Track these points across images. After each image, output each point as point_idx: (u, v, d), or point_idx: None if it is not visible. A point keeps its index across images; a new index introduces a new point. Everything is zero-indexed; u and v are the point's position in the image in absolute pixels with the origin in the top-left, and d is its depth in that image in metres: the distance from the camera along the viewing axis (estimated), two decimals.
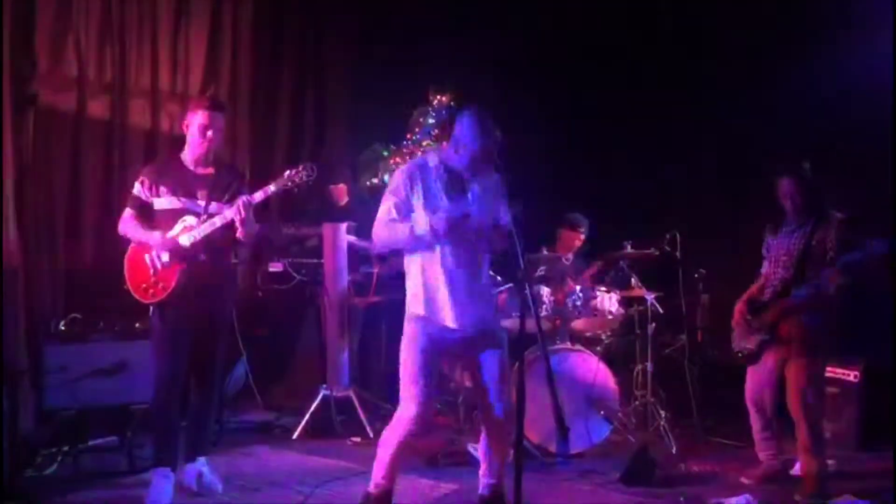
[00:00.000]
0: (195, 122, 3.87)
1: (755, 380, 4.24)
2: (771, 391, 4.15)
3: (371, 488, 3.57)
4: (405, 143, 7.09)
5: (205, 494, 3.93)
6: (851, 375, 4.97)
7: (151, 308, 3.88)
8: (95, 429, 4.54)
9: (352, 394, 5.16)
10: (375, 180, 7.00)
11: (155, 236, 3.84)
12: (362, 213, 5.93)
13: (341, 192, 6.02)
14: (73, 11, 5.18)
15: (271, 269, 5.45)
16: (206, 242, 3.82)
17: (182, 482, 3.95)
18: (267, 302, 5.91)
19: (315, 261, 5.38)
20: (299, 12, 6.68)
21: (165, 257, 3.81)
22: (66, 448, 4.28)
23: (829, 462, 4.34)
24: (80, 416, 4.35)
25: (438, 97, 7.01)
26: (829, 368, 4.95)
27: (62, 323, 4.55)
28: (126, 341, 4.57)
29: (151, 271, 3.84)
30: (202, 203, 3.87)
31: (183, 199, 3.87)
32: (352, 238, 5.33)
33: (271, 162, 6.46)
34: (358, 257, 5.50)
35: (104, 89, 5.43)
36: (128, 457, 4.36)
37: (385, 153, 7.06)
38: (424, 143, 7.09)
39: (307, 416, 5.05)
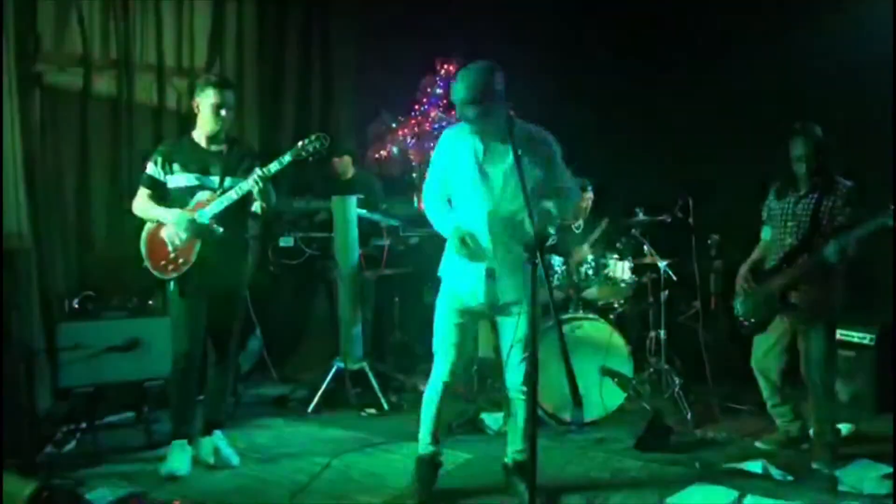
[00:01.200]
0: (206, 101, 3.87)
1: (762, 348, 4.21)
2: (779, 359, 4.12)
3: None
4: (413, 113, 7.05)
5: (222, 467, 3.97)
6: (867, 339, 4.94)
7: (171, 283, 3.91)
8: (112, 405, 4.59)
9: (366, 366, 5.17)
10: (384, 152, 6.97)
11: (173, 213, 3.86)
12: (371, 186, 5.92)
13: (346, 165, 5.98)
14: None
15: (282, 245, 5.44)
16: (223, 216, 3.85)
17: (199, 455, 4.00)
18: (279, 276, 5.92)
19: (325, 234, 5.37)
20: None
21: (184, 233, 3.83)
22: (83, 425, 4.32)
23: (846, 425, 4.34)
24: (96, 393, 4.38)
25: (445, 66, 6.96)
26: (844, 332, 4.93)
27: (76, 301, 4.57)
28: (140, 318, 4.60)
29: (170, 248, 3.87)
30: (216, 178, 3.90)
31: (197, 176, 3.90)
32: (362, 211, 5.31)
33: (279, 134, 6.43)
34: (368, 230, 5.48)
35: (109, 66, 5.40)
36: (145, 432, 4.41)
37: (393, 124, 7.02)
38: (432, 114, 7.05)
39: (322, 389, 5.07)
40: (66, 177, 5.19)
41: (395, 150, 7.00)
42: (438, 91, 7.03)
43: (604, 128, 6.17)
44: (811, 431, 4.08)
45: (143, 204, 3.97)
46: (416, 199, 5.84)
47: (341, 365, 5.13)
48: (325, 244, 5.35)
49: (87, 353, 4.30)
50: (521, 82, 6.25)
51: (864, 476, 3.68)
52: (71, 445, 4.24)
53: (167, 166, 3.92)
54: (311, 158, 3.93)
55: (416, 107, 7.06)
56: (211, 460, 3.99)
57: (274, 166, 3.83)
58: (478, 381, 5.11)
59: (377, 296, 5.93)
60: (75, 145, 5.24)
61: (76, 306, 4.56)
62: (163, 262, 3.89)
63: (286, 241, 5.43)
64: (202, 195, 3.88)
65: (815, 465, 3.89)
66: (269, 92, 6.43)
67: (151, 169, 3.96)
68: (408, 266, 5.84)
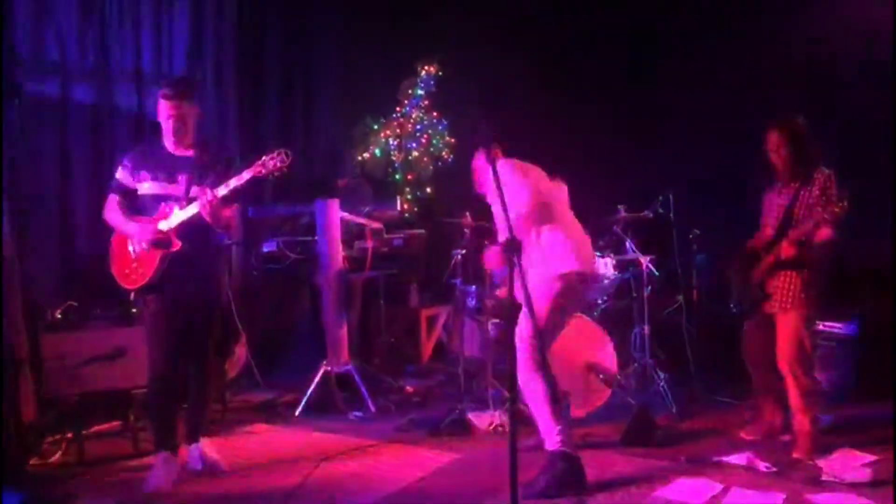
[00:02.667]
0: (161, 112, 3.84)
1: (752, 337, 4.25)
2: (765, 349, 4.15)
3: (557, 447, 3.61)
4: (395, 115, 7.07)
5: (209, 474, 3.96)
6: (848, 329, 4.99)
7: (133, 295, 3.90)
8: (98, 414, 4.57)
9: (352, 369, 5.18)
10: (367, 155, 6.99)
11: (132, 224, 3.82)
12: (362, 189, 5.93)
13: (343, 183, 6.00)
14: None
15: (265, 249, 5.44)
16: (187, 227, 3.76)
17: (187, 464, 3.99)
18: (263, 281, 5.92)
19: (309, 238, 5.37)
20: None
21: (145, 243, 3.79)
22: (69, 435, 4.30)
23: (828, 416, 4.38)
24: (81, 402, 4.35)
25: (426, 68, 6.99)
26: (825, 322, 4.97)
27: (58, 311, 4.54)
28: (124, 327, 4.57)
29: (133, 257, 3.83)
30: (181, 188, 3.83)
31: (164, 184, 3.85)
32: (345, 214, 5.31)
33: (260, 140, 6.42)
34: (352, 233, 5.49)
35: (88, 74, 5.38)
36: (132, 441, 4.40)
37: (375, 126, 7.04)
38: (414, 115, 7.07)
39: (308, 393, 5.07)
40: (47, 186, 5.16)
41: (377, 152, 7.01)
42: (420, 92, 7.06)
43: (584, 124, 6.20)
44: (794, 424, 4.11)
45: (111, 212, 3.93)
46: (399, 200, 5.85)
47: (328, 368, 5.13)
48: (309, 248, 5.35)
49: (71, 363, 4.28)
50: (501, 81, 6.33)
51: (845, 465, 3.73)
52: (57, 455, 4.22)
53: (136, 172, 3.87)
54: (270, 177, 3.69)
55: (398, 109, 7.08)
56: (199, 467, 3.98)
57: (222, 189, 3.67)
58: (464, 381, 5.12)
59: (362, 298, 5.94)
60: (56, 154, 5.22)
61: (59, 316, 4.53)
62: (126, 272, 3.85)
63: (270, 246, 5.42)
64: (167, 204, 3.81)
65: (795, 456, 3.93)
66: (249, 99, 6.42)
67: (121, 175, 3.91)
68: (392, 268, 5.85)
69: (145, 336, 3.93)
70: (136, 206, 3.89)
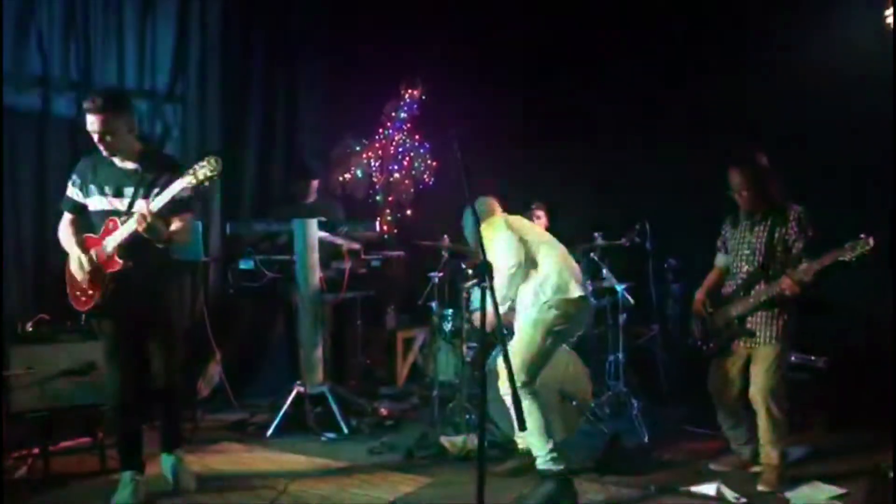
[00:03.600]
0: (88, 127, 3.66)
1: (718, 372, 4.25)
2: (734, 383, 4.17)
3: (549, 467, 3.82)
4: (377, 137, 7.10)
5: (179, 493, 3.91)
6: (820, 362, 5.03)
7: (84, 317, 3.81)
8: (66, 430, 4.51)
9: (326, 390, 5.15)
10: (348, 175, 7.00)
11: (75, 246, 3.72)
12: (332, 211, 5.93)
13: (313, 188, 5.99)
14: (35, 5, 5.09)
15: (242, 267, 5.41)
16: (130, 244, 3.61)
17: (163, 472, 3.98)
18: (238, 299, 5.88)
19: (286, 258, 5.36)
20: (269, 6, 6.63)
21: (90, 265, 3.68)
22: (35, 450, 4.23)
23: (801, 448, 4.41)
24: (49, 417, 4.29)
25: (410, 91, 7.03)
26: (797, 355, 5.02)
27: (29, 324, 4.49)
28: (96, 342, 4.47)
29: (80, 278, 3.73)
30: (128, 200, 3.70)
31: (111, 199, 3.72)
32: (323, 234, 5.31)
33: (244, 157, 6.42)
34: (329, 253, 5.48)
35: (69, 87, 5.36)
36: (99, 457, 4.33)
37: (357, 147, 7.06)
38: (397, 137, 7.10)
39: (281, 413, 5.04)
40: (23, 198, 5.11)
41: (358, 172, 7.03)
42: (403, 115, 7.10)
43: (564, 151, 6.26)
44: (761, 457, 4.12)
45: (62, 231, 3.82)
46: (378, 221, 5.86)
47: (301, 388, 5.10)
48: (286, 267, 5.34)
49: (41, 377, 4.22)
50: (484, 105, 6.38)
51: (813, 497, 3.75)
52: (22, 471, 4.15)
53: (84, 188, 3.76)
54: (202, 186, 3.55)
55: (381, 130, 7.11)
56: (170, 478, 3.94)
57: (156, 203, 3.54)
58: (439, 405, 5.11)
59: (338, 319, 5.92)
60: (33, 166, 5.18)
61: (29, 329, 4.47)
62: (77, 293, 3.77)
63: (246, 264, 5.39)
64: (113, 221, 3.66)
65: (759, 488, 3.93)
66: (232, 115, 6.42)
67: (70, 191, 3.79)
68: (369, 289, 5.85)
69: (102, 357, 3.88)
70: (86, 222, 3.78)
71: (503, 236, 4.04)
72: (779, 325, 4.01)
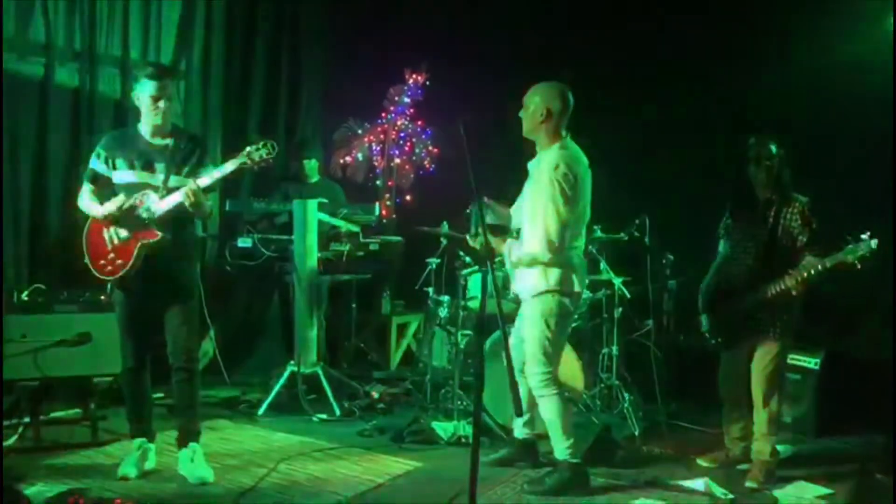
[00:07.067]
0: (144, 93, 3.74)
1: (728, 366, 4.24)
2: (741, 378, 4.16)
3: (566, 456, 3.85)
4: (380, 121, 7.08)
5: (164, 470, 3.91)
6: (812, 363, 5.04)
7: (109, 285, 3.84)
8: (58, 400, 4.52)
9: (319, 371, 5.15)
10: (349, 158, 6.98)
11: (110, 211, 3.74)
12: (334, 193, 5.92)
13: (312, 168, 5.98)
14: None
15: (240, 245, 5.40)
16: (166, 217, 3.71)
17: (180, 470, 3.87)
18: (235, 277, 5.88)
19: (285, 237, 5.35)
20: None
21: (123, 233, 3.73)
22: (27, 419, 4.23)
23: (786, 447, 4.43)
24: (42, 387, 4.29)
25: (414, 76, 7.00)
26: (790, 356, 5.02)
27: (25, 293, 4.48)
28: (91, 313, 4.48)
29: (109, 247, 3.77)
30: (161, 176, 3.76)
31: (141, 173, 3.77)
32: (323, 215, 5.30)
33: (244, 136, 6.39)
34: (328, 235, 5.48)
35: (72, 56, 5.33)
36: (91, 429, 4.33)
37: (359, 131, 7.04)
38: (399, 122, 7.08)
39: (273, 393, 5.04)
40: (22, 166, 5.10)
41: (359, 156, 7.01)
42: (406, 100, 7.07)
43: None
44: (752, 452, 4.13)
45: (85, 200, 3.85)
46: (378, 205, 5.85)
47: (294, 368, 5.10)
48: (284, 247, 5.33)
49: (35, 346, 4.21)
50: (485, 93, 6.35)
51: (800, 497, 3.77)
52: (11, 440, 4.15)
53: (110, 161, 3.79)
54: (256, 168, 3.73)
55: (384, 115, 7.08)
56: (186, 474, 3.83)
57: (205, 180, 3.65)
58: (431, 390, 5.12)
59: (333, 301, 5.92)
60: (33, 135, 5.16)
61: (25, 298, 4.46)
62: (101, 262, 3.78)
63: (245, 242, 5.39)
64: (147, 194, 3.72)
65: (747, 485, 3.95)
66: (235, 92, 6.40)
67: (94, 163, 3.83)
68: (367, 272, 5.84)
69: (119, 326, 3.87)
70: (108, 194, 3.80)
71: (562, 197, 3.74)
72: (783, 320, 4.00)
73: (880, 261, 3.77)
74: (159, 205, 3.70)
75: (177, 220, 3.76)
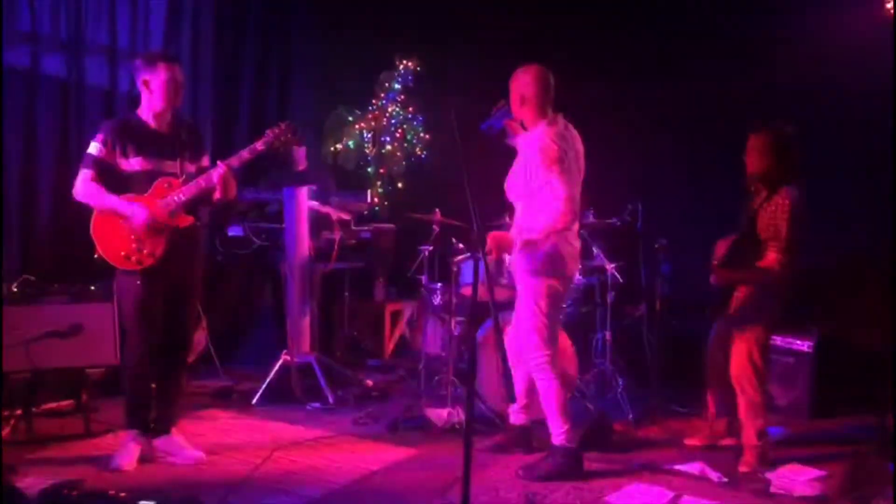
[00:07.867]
0: (156, 78, 3.70)
1: (714, 339, 4.25)
2: (721, 355, 4.17)
3: (563, 442, 3.85)
4: (371, 107, 7.04)
5: (158, 460, 3.89)
6: (805, 345, 5.05)
7: (119, 274, 3.78)
8: (50, 392, 4.49)
9: (312, 360, 5.14)
10: (339, 146, 6.94)
11: (133, 204, 3.68)
12: (324, 179, 5.88)
13: (302, 156, 5.93)
14: None
15: (230, 234, 5.37)
16: (188, 204, 3.74)
17: (168, 453, 3.90)
18: (227, 266, 5.85)
19: (275, 226, 5.32)
20: None
21: (151, 223, 3.68)
22: (18, 411, 4.21)
23: (779, 429, 4.44)
24: (33, 379, 4.27)
25: (405, 62, 6.96)
26: (783, 338, 5.03)
27: (14, 284, 4.44)
28: (82, 304, 4.46)
29: (134, 238, 3.70)
30: (174, 163, 3.76)
31: (155, 160, 3.75)
32: (314, 203, 5.27)
33: (234, 124, 6.35)
34: (319, 223, 5.45)
35: (60, 47, 5.27)
36: (83, 420, 4.31)
37: (350, 118, 7.00)
38: (390, 109, 7.04)
39: (267, 382, 5.03)
40: (10, 157, 5.04)
41: (350, 143, 6.97)
42: (396, 86, 7.03)
43: None
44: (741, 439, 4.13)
45: (91, 190, 3.72)
46: (369, 193, 5.82)
47: (287, 358, 5.08)
48: (275, 235, 5.30)
49: (26, 337, 4.17)
50: (478, 79, 6.31)
51: (795, 479, 3.78)
52: (5, 432, 4.12)
53: (119, 147, 3.73)
54: (281, 149, 3.84)
55: (374, 101, 7.04)
56: (180, 459, 3.86)
57: (234, 160, 3.73)
58: (425, 378, 5.11)
59: (326, 290, 5.90)
60: (21, 126, 5.10)
61: (14, 289, 4.42)
62: (123, 253, 3.70)
63: (235, 231, 5.36)
64: (162, 182, 3.73)
65: (741, 469, 3.95)
66: (224, 80, 6.35)
67: (98, 150, 3.73)
68: (359, 260, 5.82)
69: (131, 315, 3.80)
70: (115, 182, 3.74)
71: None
72: (753, 306, 3.98)
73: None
74: (183, 191, 3.71)
75: (192, 207, 3.80)
